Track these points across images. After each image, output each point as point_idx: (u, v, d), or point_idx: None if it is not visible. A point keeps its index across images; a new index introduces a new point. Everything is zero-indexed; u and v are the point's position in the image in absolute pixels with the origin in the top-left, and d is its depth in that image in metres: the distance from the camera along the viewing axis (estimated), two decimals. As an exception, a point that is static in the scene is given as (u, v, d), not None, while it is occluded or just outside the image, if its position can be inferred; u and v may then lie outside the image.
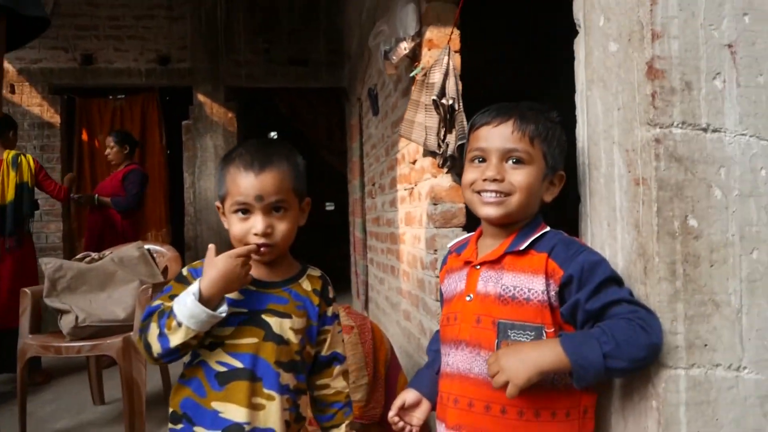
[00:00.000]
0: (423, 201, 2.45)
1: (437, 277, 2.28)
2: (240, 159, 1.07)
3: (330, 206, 11.07)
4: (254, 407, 1.04)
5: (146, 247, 3.26)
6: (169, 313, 0.99)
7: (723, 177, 0.93)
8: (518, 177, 1.01)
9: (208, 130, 5.52)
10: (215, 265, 1.01)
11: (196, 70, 5.51)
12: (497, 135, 1.02)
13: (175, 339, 0.98)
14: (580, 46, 1.11)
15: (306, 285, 1.15)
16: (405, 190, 2.86)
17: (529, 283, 0.98)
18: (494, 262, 1.02)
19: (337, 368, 1.18)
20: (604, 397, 1.04)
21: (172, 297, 1.04)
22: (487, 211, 1.03)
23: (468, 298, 1.04)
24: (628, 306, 0.91)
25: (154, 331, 1.00)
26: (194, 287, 1.00)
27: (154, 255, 3.30)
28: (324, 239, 9.50)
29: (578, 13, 1.10)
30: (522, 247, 1.00)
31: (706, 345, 0.92)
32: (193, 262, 1.13)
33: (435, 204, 2.28)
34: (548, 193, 1.06)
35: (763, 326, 0.94)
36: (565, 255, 0.96)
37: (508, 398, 0.91)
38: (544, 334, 0.96)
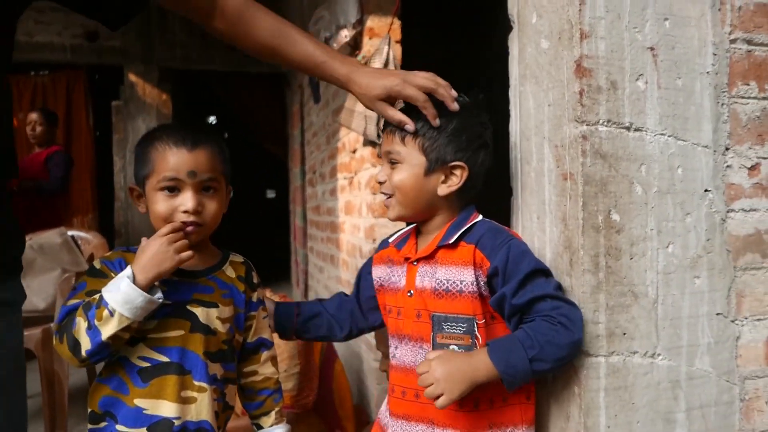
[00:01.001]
0: (363, 190, 2.44)
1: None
2: (169, 136, 1.02)
3: (271, 194, 10.87)
4: (185, 401, 1.01)
5: (69, 233, 3.07)
6: (99, 303, 0.92)
7: (644, 174, 0.97)
8: (394, 177, 1.04)
9: (141, 112, 5.26)
10: (146, 248, 0.96)
11: (128, 48, 5.22)
12: (384, 139, 1.08)
13: (108, 330, 0.91)
14: (513, 42, 1.13)
15: (230, 272, 1.12)
16: (345, 179, 2.84)
17: (460, 275, 1.00)
18: (428, 258, 1.04)
19: (265, 354, 1.16)
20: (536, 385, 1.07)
21: (89, 293, 0.97)
22: (387, 213, 1.09)
23: (409, 294, 1.06)
24: (551, 302, 0.93)
25: (81, 325, 0.92)
26: (127, 271, 0.94)
27: (78, 242, 3.12)
28: (265, 227, 9.33)
29: (512, 9, 1.12)
30: (451, 241, 1.02)
31: (624, 333, 0.97)
32: (106, 253, 1.06)
33: (374, 194, 2.28)
34: (443, 186, 1.03)
35: (675, 315, 1.00)
36: (492, 246, 0.98)
37: (439, 408, 0.93)
38: (476, 326, 0.98)
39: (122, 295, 0.91)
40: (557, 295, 0.95)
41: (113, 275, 0.99)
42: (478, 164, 1.05)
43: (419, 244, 1.10)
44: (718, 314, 1.03)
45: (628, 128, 0.96)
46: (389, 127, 1.06)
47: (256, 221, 9.81)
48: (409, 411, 1.05)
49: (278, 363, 2.14)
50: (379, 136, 2.05)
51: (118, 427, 0.99)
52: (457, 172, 1.03)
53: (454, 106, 1.03)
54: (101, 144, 5.71)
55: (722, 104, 1.03)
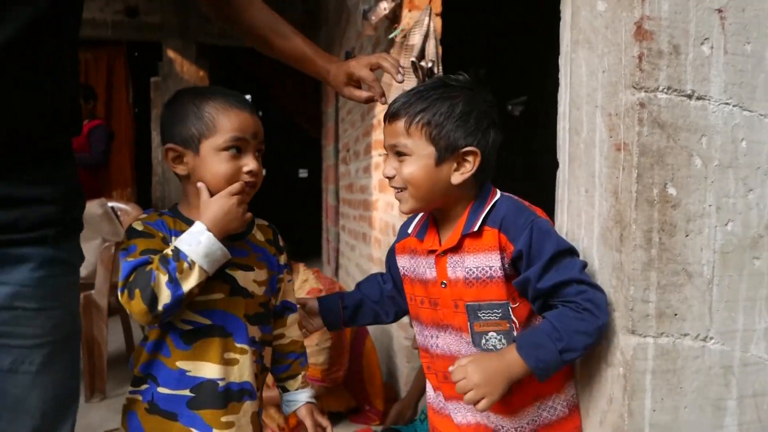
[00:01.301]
0: (398, 167, 2.41)
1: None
2: (227, 97, 1.01)
3: (304, 173, 10.93)
4: (227, 362, 1.01)
5: (110, 204, 3.14)
6: (177, 257, 0.92)
7: (704, 146, 0.91)
8: (404, 170, 0.98)
9: (178, 88, 5.32)
10: (213, 205, 0.97)
11: (166, 24, 5.27)
12: (386, 131, 1.02)
13: (189, 283, 0.91)
14: (566, 6, 1.07)
15: (259, 236, 1.12)
16: (380, 156, 2.80)
17: (488, 261, 0.97)
18: (455, 248, 1.00)
19: (291, 317, 1.17)
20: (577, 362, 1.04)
21: (144, 253, 0.95)
22: (400, 207, 1.03)
23: (443, 285, 1.03)
24: (576, 287, 0.91)
25: (161, 279, 0.91)
26: (200, 226, 0.94)
27: (118, 213, 3.19)
28: (297, 206, 9.41)
29: (567, -31, 1.06)
30: (475, 229, 0.98)
31: (676, 314, 0.92)
32: (141, 216, 1.04)
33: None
34: (457, 174, 0.98)
35: (731, 298, 0.94)
36: (515, 228, 0.95)
37: (480, 411, 0.93)
38: (510, 310, 0.96)
39: (203, 248, 0.93)
40: (582, 279, 0.92)
41: (161, 234, 0.99)
42: (489, 145, 1.00)
43: (441, 234, 1.05)
44: (778, 298, 0.97)
45: (689, 96, 0.90)
46: (388, 117, 1.01)
47: (289, 200, 9.90)
48: (456, 393, 1.02)
49: (310, 337, 2.17)
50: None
51: (160, 389, 1.00)
52: (470, 157, 0.98)
53: (399, 78, 1.09)
54: (140, 120, 5.82)
55: (794, 73, 0.95)
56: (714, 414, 0.95)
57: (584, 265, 0.96)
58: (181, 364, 1.00)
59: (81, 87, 3.95)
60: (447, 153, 0.97)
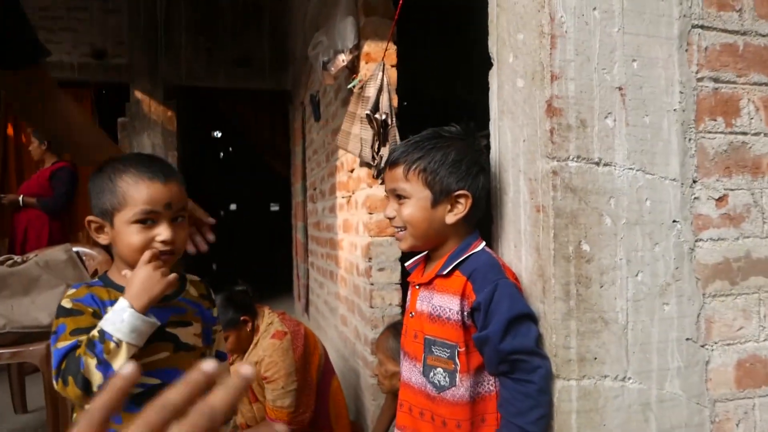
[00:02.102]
0: (360, 209, 2.50)
1: (371, 284, 2.34)
2: (138, 168, 1.04)
3: (275, 207, 10.95)
4: None
5: (75, 249, 3.13)
6: (101, 339, 0.95)
7: (613, 206, 1.03)
8: (404, 212, 1.11)
9: (146, 128, 5.35)
10: (133, 279, 1.00)
11: (134, 66, 5.33)
12: (387, 175, 1.15)
13: (118, 361, 0.94)
14: (493, 78, 1.19)
15: (193, 291, 1.19)
16: (343, 197, 2.90)
17: (450, 303, 1.06)
18: (428, 284, 1.12)
19: (221, 364, 1.23)
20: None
21: (73, 333, 0.99)
22: (398, 245, 1.17)
23: (411, 315, 1.14)
24: (530, 362, 0.99)
25: (90, 363, 0.94)
26: (123, 303, 0.97)
27: (83, 258, 3.18)
28: (269, 240, 9.39)
29: (492, 47, 1.18)
30: (445, 272, 1.08)
31: (595, 358, 1.02)
32: (69, 292, 1.06)
33: (370, 213, 2.33)
34: (450, 215, 1.09)
35: (645, 341, 1.04)
36: (482, 281, 1.03)
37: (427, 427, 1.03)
38: (457, 353, 1.04)
39: (127, 325, 0.96)
40: (535, 351, 1.00)
41: (91, 310, 1.02)
42: (480, 189, 1.12)
43: (426, 269, 1.17)
44: (687, 339, 1.07)
45: (597, 163, 1.02)
46: (389, 164, 1.14)
47: (261, 233, 9.87)
48: (405, 422, 1.14)
49: (276, 380, 2.20)
50: (373, 158, 2.12)
51: None
52: (462, 200, 1.10)
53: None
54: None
55: (689, 139, 1.08)
56: (636, 448, 1.04)
57: (537, 336, 1.03)
58: None
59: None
60: (441, 196, 1.09)
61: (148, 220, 1.04)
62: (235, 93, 5.82)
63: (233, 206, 10.75)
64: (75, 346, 0.98)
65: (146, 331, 0.99)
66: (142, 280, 0.99)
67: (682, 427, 1.07)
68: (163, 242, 1.04)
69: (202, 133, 8.96)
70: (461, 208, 1.09)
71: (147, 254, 1.01)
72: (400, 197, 1.11)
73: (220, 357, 1.24)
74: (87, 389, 0.96)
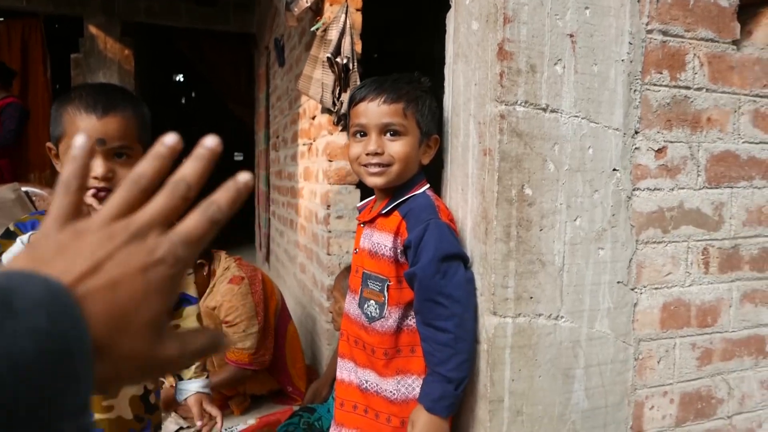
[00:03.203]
0: (320, 157, 2.48)
1: (329, 232, 2.36)
2: (81, 100, 1.02)
3: (239, 156, 10.74)
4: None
5: (24, 189, 3.03)
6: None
7: (557, 153, 1.05)
8: (396, 148, 1.10)
9: (101, 66, 5.10)
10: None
11: (88, -2, 5.02)
12: (374, 110, 1.11)
13: None
14: (450, 21, 1.18)
15: None
16: (304, 145, 2.87)
17: (386, 240, 1.10)
18: (371, 222, 1.15)
19: (187, 309, 1.22)
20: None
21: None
22: (373, 180, 1.13)
23: (355, 252, 1.19)
24: (445, 310, 1.03)
25: None
26: (25, 238, 0.97)
27: (33, 198, 3.08)
28: (231, 190, 9.23)
29: (450, -12, 1.17)
30: (385, 211, 1.12)
31: (531, 297, 1.07)
32: (21, 216, 1.07)
33: (330, 161, 2.32)
34: (425, 156, 1.16)
35: (579, 282, 1.10)
36: (415, 220, 1.07)
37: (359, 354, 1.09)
38: (386, 287, 1.07)
39: None
40: (452, 296, 1.03)
41: (24, 235, 1.02)
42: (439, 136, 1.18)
43: (373, 209, 1.20)
44: (618, 282, 1.14)
45: (544, 109, 1.04)
46: (383, 98, 1.10)
47: (223, 183, 9.68)
48: (343, 350, 1.20)
49: (238, 324, 2.22)
50: (334, 103, 2.09)
51: None
52: (432, 143, 1.16)
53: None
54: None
55: (635, 90, 1.11)
56: (564, 381, 1.11)
57: (465, 280, 1.06)
58: None
59: None
60: (425, 137, 1.14)
61: None
62: (197, 33, 5.57)
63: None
64: None
65: None
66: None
67: (608, 363, 1.15)
68: (96, 178, 1.01)
69: (163, 76, 8.59)
70: (432, 151, 1.16)
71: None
72: (394, 133, 1.11)
73: (186, 299, 1.22)
74: None
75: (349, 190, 2.36)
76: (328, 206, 2.36)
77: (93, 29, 5.07)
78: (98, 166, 1.02)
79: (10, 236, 1.03)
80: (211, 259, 2.31)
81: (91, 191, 1.01)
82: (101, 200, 1.04)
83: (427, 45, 5.02)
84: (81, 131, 1.01)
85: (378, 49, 5.22)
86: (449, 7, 1.20)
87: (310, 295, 2.76)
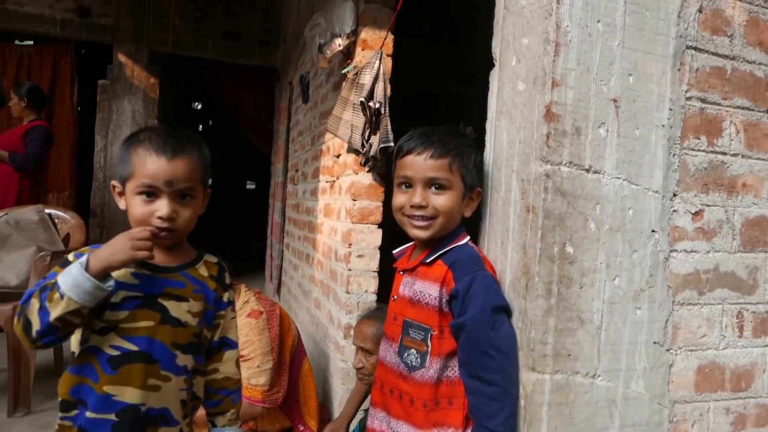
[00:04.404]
0: (343, 195, 2.52)
1: (350, 270, 2.37)
2: (151, 142, 1.07)
3: (251, 185, 10.84)
4: (149, 388, 1.06)
5: (47, 211, 3.07)
6: (52, 286, 0.97)
7: (598, 212, 1.07)
8: (440, 201, 1.13)
9: (127, 93, 5.23)
10: (110, 241, 1.02)
11: (119, 27, 5.18)
12: (420, 164, 1.13)
13: (56, 311, 0.95)
14: (494, 79, 1.22)
15: (203, 270, 1.18)
16: (327, 182, 2.91)
17: (430, 290, 1.11)
18: (412, 270, 1.17)
19: (228, 353, 1.21)
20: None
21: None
22: (416, 233, 1.15)
23: (394, 299, 1.20)
24: (496, 360, 1.03)
25: (34, 306, 0.97)
26: (82, 258, 0.99)
27: (55, 220, 3.12)
28: (243, 218, 9.30)
29: (495, 49, 1.21)
30: (429, 261, 1.14)
31: (569, 355, 1.07)
32: (81, 249, 1.09)
33: (354, 200, 2.35)
34: (468, 209, 1.18)
35: (616, 341, 1.10)
36: (462, 271, 1.08)
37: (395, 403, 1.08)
38: (430, 336, 1.08)
39: (72, 279, 0.96)
40: (501, 349, 1.04)
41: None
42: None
43: (412, 256, 1.22)
44: (655, 343, 1.14)
45: (587, 170, 1.06)
46: (432, 150, 1.12)
47: (235, 211, 9.77)
48: (377, 398, 1.20)
49: (252, 359, 2.21)
50: (363, 145, 2.13)
51: (89, 414, 1.04)
52: (475, 196, 1.19)
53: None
54: (85, 122, 5.66)
55: (674, 154, 1.14)
56: (599, 441, 1.10)
57: (512, 333, 1.07)
58: (107, 389, 1.04)
59: (25, 87, 3.87)
60: (469, 190, 1.16)
61: (150, 193, 1.06)
62: (221, 65, 5.72)
63: (209, 181, 10.59)
64: (41, 285, 1.00)
65: (92, 291, 0.97)
66: (112, 243, 1.01)
67: (643, 424, 1.14)
68: (161, 218, 1.05)
69: (183, 103, 8.78)
70: (474, 204, 1.19)
71: (139, 230, 1.03)
72: (440, 187, 1.13)
73: (228, 344, 1.22)
74: (27, 331, 0.98)
75: (372, 229, 2.38)
76: (350, 245, 2.37)
77: (122, 57, 5.22)
78: (164, 207, 1.06)
79: (65, 265, 1.04)
80: (234, 308, 2.31)
81: (154, 229, 1.05)
82: (165, 239, 1.07)
83: (445, 84, 5.14)
84: (151, 172, 1.05)
85: (399, 87, 5.34)
86: (467, 46, 1.24)
87: (325, 332, 2.75)
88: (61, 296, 0.96)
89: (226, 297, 1.21)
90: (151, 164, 1.05)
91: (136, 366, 1.05)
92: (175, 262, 1.14)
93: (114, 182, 1.13)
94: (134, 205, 1.07)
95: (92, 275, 0.97)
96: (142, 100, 5.24)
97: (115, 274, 1.04)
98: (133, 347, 1.06)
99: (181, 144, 1.09)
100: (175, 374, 1.09)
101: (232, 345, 1.23)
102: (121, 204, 1.11)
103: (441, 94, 4.86)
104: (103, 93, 5.24)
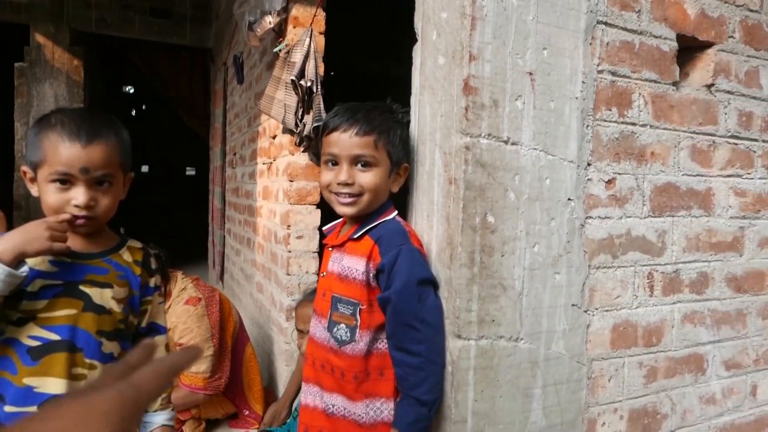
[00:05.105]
0: (280, 177, 2.49)
1: (289, 251, 2.35)
2: (63, 126, 1.01)
3: (191, 171, 10.50)
4: (74, 378, 1.03)
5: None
6: None
7: (517, 183, 1.11)
8: (367, 179, 1.13)
9: (48, 77, 4.90)
10: (22, 227, 0.97)
11: (35, 5, 4.83)
12: (346, 141, 1.13)
13: None
14: (417, 54, 1.23)
15: (126, 256, 1.15)
16: (264, 164, 2.86)
17: (357, 265, 1.12)
18: (340, 246, 1.18)
19: (157, 339, 1.20)
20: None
21: None
22: (343, 210, 1.16)
23: (323, 275, 1.20)
24: (420, 332, 1.06)
25: None
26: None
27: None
28: (184, 205, 9.01)
29: (417, 23, 1.22)
30: (356, 236, 1.14)
31: (493, 320, 1.11)
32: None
33: (291, 181, 2.33)
34: (395, 184, 1.19)
35: (537, 306, 1.16)
36: (387, 245, 1.10)
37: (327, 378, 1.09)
38: (359, 310, 1.09)
39: None
40: (425, 319, 1.07)
41: None
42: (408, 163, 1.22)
43: (341, 233, 1.22)
44: (573, 305, 1.20)
45: (506, 142, 1.10)
46: (357, 127, 1.11)
47: (174, 199, 9.44)
48: (309, 374, 1.20)
49: (192, 346, 2.17)
50: (296, 125, 2.11)
51: (7, 408, 1.00)
52: (402, 171, 1.19)
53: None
54: (1, 108, 5.27)
55: (587, 126, 1.19)
56: (524, 401, 1.16)
57: (436, 305, 1.09)
58: (27, 381, 1.00)
59: None
60: (396, 166, 1.16)
61: (65, 181, 1.01)
62: (151, 45, 5.46)
63: (145, 168, 10.18)
64: None
65: (2, 278, 0.94)
66: (25, 230, 0.97)
67: (564, 382, 1.20)
68: (77, 206, 1.01)
69: (112, 87, 8.33)
70: (401, 179, 1.19)
71: (56, 218, 1.00)
72: (366, 164, 1.12)
73: (157, 329, 1.19)
74: None
75: (310, 210, 2.37)
76: (288, 226, 2.36)
77: (40, 38, 4.88)
78: (81, 195, 1.01)
79: None
80: (167, 279, 2.25)
81: (70, 217, 1.01)
82: (82, 226, 1.03)
83: (381, 65, 5.14)
84: (64, 159, 1.00)
85: (334, 67, 5.28)
86: (401, 27, 1.25)
87: (268, 315, 2.74)
88: None
89: (152, 282, 1.19)
90: (65, 151, 1.00)
91: (59, 355, 1.02)
92: (96, 248, 1.10)
93: (24, 168, 1.06)
94: (48, 192, 1.02)
95: (3, 262, 0.93)
96: (65, 84, 4.93)
97: (31, 261, 1.00)
98: (55, 336, 1.02)
99: (95, 128, 1.03)
100: (101, 362, 1.06)
101: (161, 330, 1.21)
102: (34, 191, 1.06)
103: (385, 76, 4.85)
104: (20, 77, 4.88)
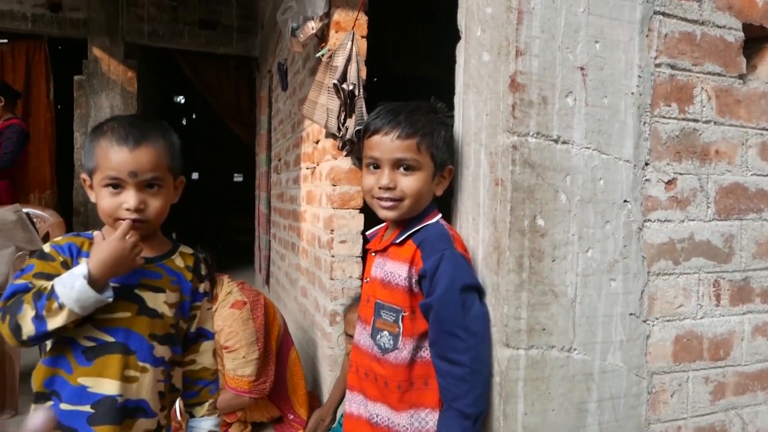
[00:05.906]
0: (324, 181, 2.49)
1: (333, 256, 2.34)
2: (113, 132, 1.05)
3: (238, 177, 10.76)
4: (127, 379, 1.05)
5: (25, 210, 3.01)
6: (50, 295, 0.95)
7: (568, 184, 1.05)
8: (409, 183, 1.09)
9: (104, 88, 5.13)
10: (104, 248, 0.99)
11: (92, 20, 5.07)
12: (387, 144, 1.09)
13: (55, 322, 0.94)
14: (460, 52, 1.19)
15: (179, 261, 1.16)
16: (308, 168, 2.87)
17: (400, 270, 1.08)
18: (383, 251, 1.15)
19: (204, 344, 1.21)
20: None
21: (37, 276, 1.00)
22: (385, 214, 1.12)
23: (366, 281, 1.18)
24: (465, 341, 1.01)
25: (28, 312, 0.95)
26: (82, 269, 0.96)
27: (34, 220, 3.06)
28: (231, 210, 9.24)
29: (461, 21, 1.18)
30: (398, 240, 1.11)
31: (544, 329, 1.05)
32: (56, 238, 1.09)
33: (334, 185, 2.32)
34: (439, 187, 1.14)
35: (591, 314, 1.09)
36: (430, 250, 1.05)
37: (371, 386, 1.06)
38: (401, 318, 1.06)
39: (76, 293, 0.95)
40: (468, 328, 1.02)
41: (61, 258, 1.03)
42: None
43: (384, 237, 1.19)
44: (631, 314, 1.13)
45: (555, 141, 1.04)
46: (399, 130, 1.08)
47: (223, 204, 9.70)
48: (353, 382, 1.17)
49: (237, 350, 2.20)
50: (339, 129, 2.10)
51: (63, 405, 1.03)
52: (446, 174, 1.15)
53: None
54: (63, 119, 5.56)
55: (644, 123, 1.12)
56: (577, 415, 1.09)
57: (482, 312, 1.05)
58: (82, 380, 1.03)
59: None
60: (440, 169, 1.13)
61: (116, 185, 1.04)
62: (199, 55, 5.63)
63: (195, 175, 10.51)
64: (26, 289, 0.98)
65: (93, 305, 0.97)
66: (115, 254, 0.98)
67: (622, 397, 1.13)
68: (128, 210, 1.03)
69: (164, 97, 8.66)
70: (446, 182, 1.15)
71: (125, 226, 1.01)
72: (408, 168, 1.09)
73: (205, 335, 1.21)
74: (16, 334, 0.96)
75: (353, 214, 2.35)
76: (332, 230, 2.35)
77: (97, 51, 5.11)
78: (131, 198, 1.04)
79: (44, 257, 1.04)
80: (213, 283, 2.29)
81: (130, 223, 1.03)
82: (137, 230, 1.05)
83: (425, 68, 5.09)
84: (113, 164, 1.03)
85: (378, 72, 5.28)
86: (445, 30, 1.21)
87: (312, 320, 2.74)
88: (60, 307, 0.94)
89: (202, 288, 1.20)
90: (114, 155, 1.03)
91: (113, 357, 1.04)
92: (150, 253, 1.12)
93: (83, 175, 1.11)
94: (102, 197, 1.05)
95: (93, 285, 0.96)
96: (120, 95, 5.15)
97: None
98: (110, 338, 1.04)
99: (143, 133, 1.06)
100: (152, 365, 1.08)
101: (209, 336, 1.22)
102: (92, 197, 1.09)
103: (417, 77, 4.81)
104: (79, 89, 5.14)
